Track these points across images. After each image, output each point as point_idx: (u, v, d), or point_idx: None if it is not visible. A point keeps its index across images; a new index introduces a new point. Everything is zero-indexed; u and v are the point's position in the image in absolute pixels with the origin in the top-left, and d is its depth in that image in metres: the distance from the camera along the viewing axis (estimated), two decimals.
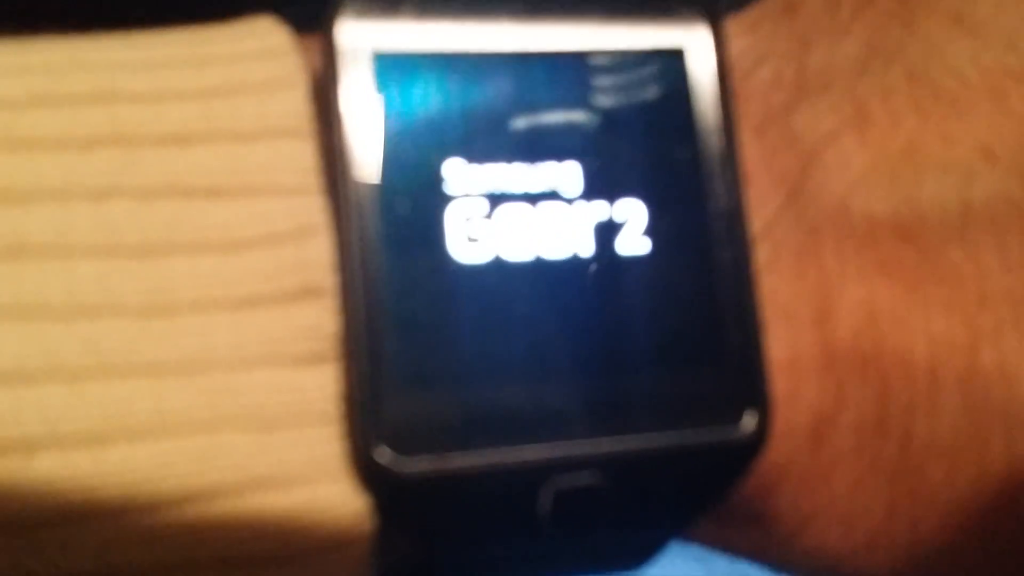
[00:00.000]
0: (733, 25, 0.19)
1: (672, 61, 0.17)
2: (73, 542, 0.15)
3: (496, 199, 0.16)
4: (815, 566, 0.18)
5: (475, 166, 0.16)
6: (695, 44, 0.17)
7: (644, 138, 0.17)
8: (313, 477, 0.15)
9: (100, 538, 0.15)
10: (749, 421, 0.16)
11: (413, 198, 0.16)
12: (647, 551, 0.18)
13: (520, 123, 0.17)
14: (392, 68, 0.16)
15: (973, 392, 0.17)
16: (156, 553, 0.15)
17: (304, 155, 0.16)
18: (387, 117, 0.16)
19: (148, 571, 0.15)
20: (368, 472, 0.15)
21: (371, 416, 0.15)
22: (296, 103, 0.17)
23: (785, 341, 0.17)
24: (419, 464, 0.15)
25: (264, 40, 0.17)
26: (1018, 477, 0.17)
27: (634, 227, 0.17)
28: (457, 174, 0.16)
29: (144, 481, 0.15)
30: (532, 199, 0.16)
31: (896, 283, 0.17)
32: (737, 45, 0.18)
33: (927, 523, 0.18)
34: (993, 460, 0.17)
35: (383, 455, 0.15)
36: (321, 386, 0.16)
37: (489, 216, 0.16)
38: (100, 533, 0.15)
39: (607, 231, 0.17)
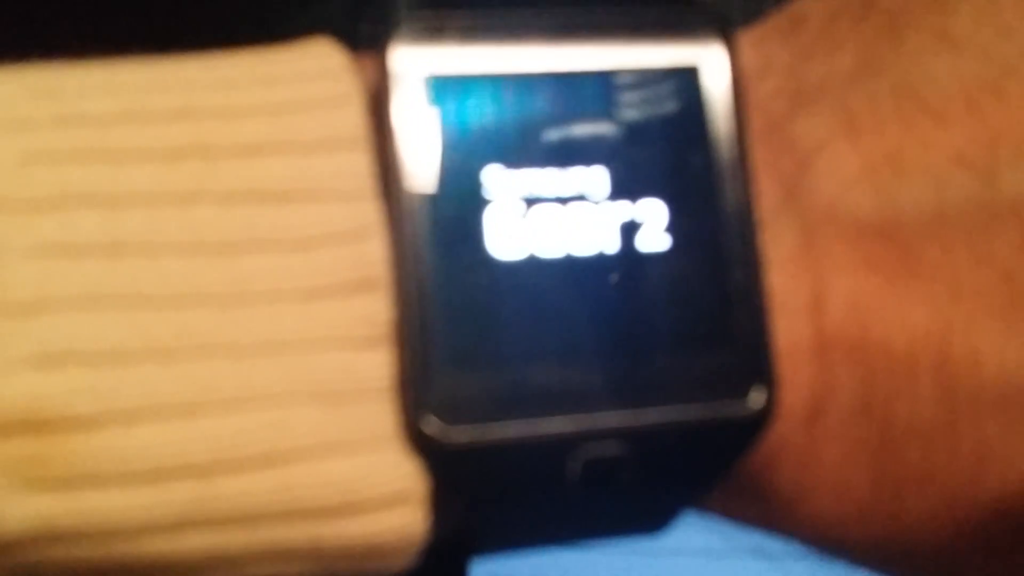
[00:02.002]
0: (743, 39, 0.21)
1: (689, 76, 0.20)
2: (164, 499, 0.17)
3: (530, 202, 0.19)
4: (814, 535, 0.21)
5: (511, 172, 0.19)
6: (710, 61, 0.20)
7: (664, 145, 0.20)
8: (371, 445, 0.18)
9: (191, 495, 0.17)
10: (758, 397, 0.19)
11: (456, 202, 0.19)
12: (665, 518, 0.21)
13: (552, 134, 0.19)
14: (438, 87, 0.19)
15: (946, 379, 0.20)
16: (240, 507, 0.18)
17: (361, 164, 0.19)
18: (433, 131, 0.19)
19: (233, 522, 0.18)
20: (417, 441, 0.18)
21: (420, 392, 0.18)
22: (353, 118, 0.19)
23: (782, 329, 0.20)
24: (462, 433, 0.18)
25: (323, 61, 0.20)
26: (985, 458, 0.20)
27: (655, 225, 0.19)
28: (495, 179, 0.19)
29: (230, 447, 0.17)
30: (563, 201, 0.19)
31: (879, 277, 0.20)
32: (745, 60, 0.21)
33: (908, 498, 0.20)
34: (964, 442, 0.20)
35: (430, 425, 0.18)
36: (377, 367, 0.18)
37: (524, 217, 0.19)
38: (192, 491, 0.17)
39: (630, 229, 0.19)
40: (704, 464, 0.20)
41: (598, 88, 0.19)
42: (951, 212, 0.20)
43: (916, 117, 0.20)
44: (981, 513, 0.20)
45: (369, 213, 0.19)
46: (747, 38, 0.22)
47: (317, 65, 0.20)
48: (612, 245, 0.19)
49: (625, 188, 0.19)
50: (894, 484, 0.20)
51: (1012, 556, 0.20)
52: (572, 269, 0.19)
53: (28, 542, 0.17)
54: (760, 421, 0.19)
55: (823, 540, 0.21)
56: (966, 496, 0.20)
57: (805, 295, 0.20)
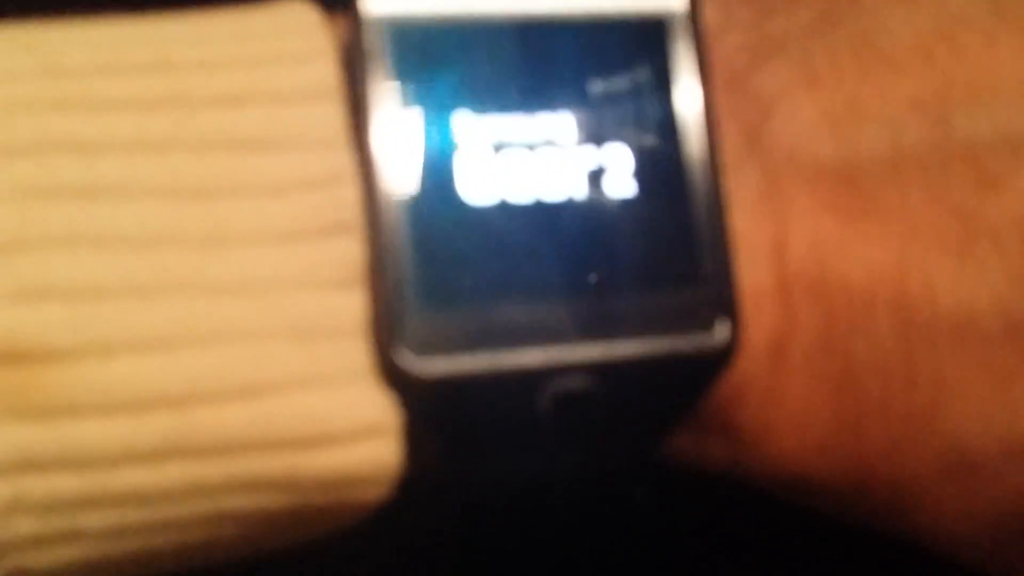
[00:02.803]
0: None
1: (655, 26, 0.21)
2: (142, 429, 0.18)
3: (499, 147, 0.20)
4: (777, 472, 0.22)
5: (480, 117, 0.20)
6: (675, 12, 0.21)
7: (630, 94, 0.20)
8: (346, 379, 0.19)
9: (168, 426, 0.18)
10: (722, 330, 0.20)
11: (427, 147, 0.19)
12: (635, 454, 0.21)
13: (520, 80, 0.20)
14: (407, 35, 0.20)
15: (903, 314, 0.20)
16: (217, 438, 0.18)
17: (334, 114, 0.20)
18: (404, 78, 0.20)
19: (209, 453, 0.18)
20: (391, 374, 0.19)
21: (393, 327, 0.19)
22: (326, 70, 0.20)
23: (746, 269, 0.20)
24: (434, 366, 0.19)
25: (297, 18, 0.21)
26: (941, 389, 0.20)
27: (621, 171, 0.20)
28: (464, 125, 0.20)
29: (207, 380, 0.18)
30: (531, 147, 0.20)
31: (838, 218, 0.21)
32: (710, 15, 0.22)
33: (868, 432, 0.21)
34: (921, 374, 0.20)
35: (403, 358, 0.19)
36: (352, 306, 0.19)
37: (494, 162, 0.20)
38: (169, 422, 0.18)
39: (598, 175, 0.20)
40: (671, 398, 0.21)
41: (565, 36, 0.20)
42: (907, 154, 0.21)
43: (873, 66, 0.21)
44: (938, 444, 0.21)
45: (342, 160, 0.19)
46: None
47: (291, 22, 0.21)
48: (580, 190, 0.20)
49: (592, 134, 0.20)
50: (855, 418, 0.21)
51: (967, 485, 0.21)
52: (541, 212, 0.20)
53: (9, 471, 0.18)
54: (725, 354, 0.20)
55: (786, 477, 0.22)
56: (923, 427, 0.21)
57: (768, 236, 0.21)
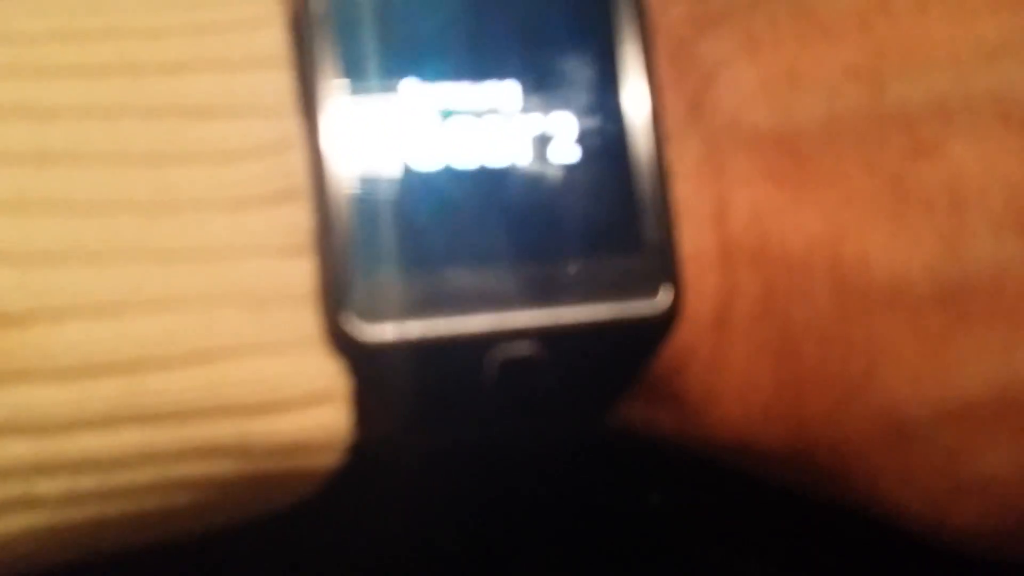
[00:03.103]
0: None
1: None
2: (93, 394, 0.18)
3: (446, 114, 0.20)
4: (722, 439, 0.22)
5: (426, 85, 0.20)
6: None
7: (574, 62, 0.21)
8: (295, 346, 0.19)
9: (120, 391, 0.18)
10: (664, 296, 0.20)
11: (374, 113, 0.20)
12: (583, 421, 0.22)
13: (466, 48, 0.20)
14: (354, 4, 0.20)
15: (839, 280, 0.21)
16: (168, 404, 0.18)
17: (281, 82, 0.20)
18: (349, 44, 0.20)
19: (160, 418, 0.18)
20: (339, 340, 0.19)
21: (340, 293, 0.19)
22: (274, 38, 0.20)
23: (687, 237, 0.21)
24: (381, 332, 0.19)
25: None
26: (877, 354, 0.21)
27: (565, 138, 0.20)
28: (411, 92, 0.20)
29: (157, 345, 0.18)
30: (477, 114, 0.20)
31: (777, 186, 0.21)
32: None
33: (808, 397, 0.21)
34: (856, 339, 0.21)
35: (351, 324, 0.19)
36: (300, 273, 0.19)
37: (440, 128, 0.20)
38: (120, 387, 0.18)
39: (542, 141, 0.20)
40: (616, 364, 0.21)
41: (512, 4, 0.21)
42: (843, 122, 0.21)
43: (811, 34, 0.21)
44: (874, 408, 0.21)
45: (289, 127, 0.20)
46: None
47: None
48: (525, 157, 0.20)
49: (537, 102, 0.20)
50: (795, 383, 0.21)
51: (902, 449, 0.22)
52: (486, 178, 0.20)
53: None
54: (668, 320, 0.20)
55: (731, 443, 0.22)
56: (860, 392, 0.21)
57: (709, 204, 0.21)
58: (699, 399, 0.22)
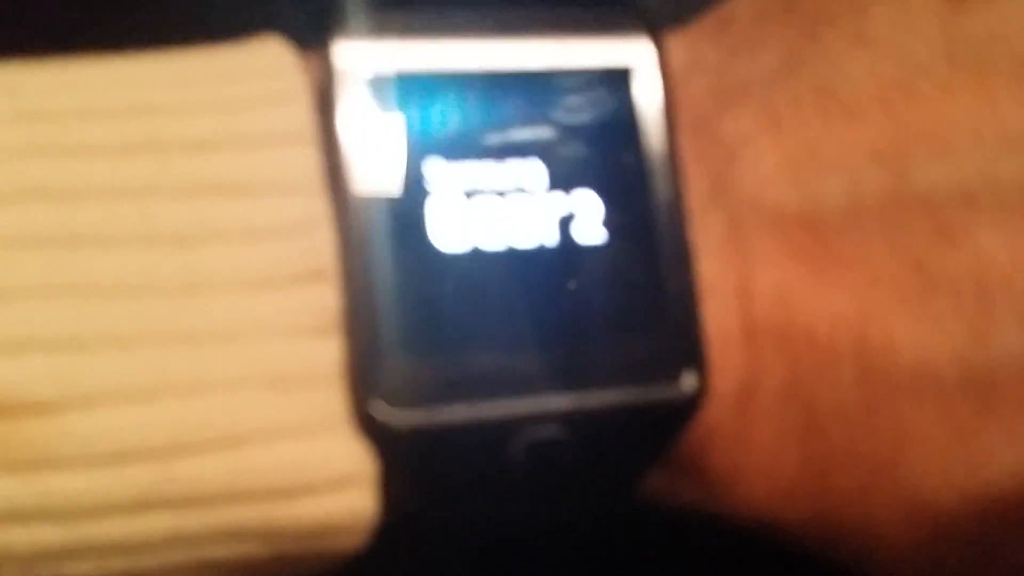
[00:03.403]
0: (675, 40, 0.23)
1: (622, 76, 0.21)
2: (124, 481, 0.18)
3: (471, 194, 0.20)
4: (748, 515, 0.22)
5: (452, 165, 0.20)
6: (641, 61, 0.21)
7: (598, 141, 0.21)
8: (322, 428, 0.19)
9: (150, 477, 0.18)
10: (690, 379, 0.20)
11: (400, 195, 0.20)
12: (607, 501, 0.22)
13: (491, 129, 0.21)
14: (380, 84, 0.20)
15: (865, 363, 0.21)
16: (197, 489, 0.19)
17: (309, 159, 0.20)
18: (376, 126, 0.20)
19: (190, 503, 0.19)
20: (366, 425, 0.19)
21: (368, 377, 0.19)
22: (301, 114, 0.20)
23: (712, 316, 0.21)
24: (409, 417, 0.19)
25: (272, 59, 0.21)
26: (903, 438, 0.21)
27: (590, 218, 0.21)
28: (437, 173, 0.20)
29: (187, 431, 0.19)
30: (502, 194, 0.20)
31: (802, 266, 0.21)
32: (677, 59, 0.22)
33: (834, 478, 0.22)
34: (882, 423, 0.21)
35: (378, 410, 0.19)
36: (327, 354, 0.20)
37: (466, 209, 0.20)
38: (150, 473, 0.18)
39: (567, 222, 0.20)
40: (641, 445, 0.21)
41: (535, 85, 0.21)
42: (867, 205, 0.21)
43: (834, 114, 0.22)
44: (900, 492, 0.21)
45: (317, 206, 0.20)
46: (678, 38, 0.23)
47: (266, 63, 0.21)
48: (551, 237, 0.20)
49: (561, 182, 0.21)
50: (820, 464, 0.22)
51: (928, 532, 0.22)
52: (513, 260, 0.20)
53: None
54: (692, 403, 0.21)
55: (756, 519, 0.22)
56: (886, 476, 0.21)
57: (733, 283, 0.21)
58: (723, 475, 0.22)
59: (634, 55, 0.21)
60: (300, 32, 0.22)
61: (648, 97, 0.21)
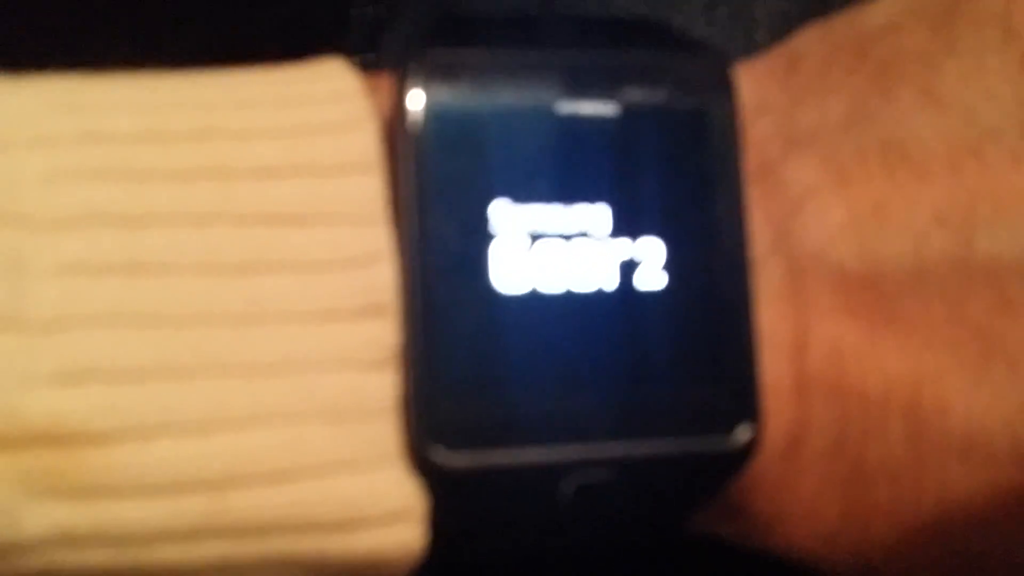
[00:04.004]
0: (743, 81, 0.23)
1: (693, 118, 0.21)
2: (178, 511, 0.19)
3: (535, 237, 0.20)
4: (786, 552, 0.23)
5: (518, 207, 0.20)
6: (714, 105, 0.21)
7: (665, 185, 0.21)
8: (376, 463, 0.19)
9: (205, 508, 0.19)
10: (744, 432, 0.21)
11: (464, 234, 0.20)
12: (651, 538, 0.22)
13: (558, 171, 0.20)
14: (450, 122, 0.20)
15: (915, 424, 0.21)
16: (251, 521, 0.19)
17: (373, 189, 0.20)
18: (444, 163, 0.20)
19: (243, 534, 0.19)
20: (420, 464, 0.20)
21: (424, 418, 0.19)
22: (366, 142, 0.20)
23: (766, 366, 0.21)
24: (462, 459, 0.20)
25: (337, 83, 0.21)
26: (948, 499, 0.21)
27: (653, 263, 0.21)
28: (502, 214, 0.20)
29: (243, 463, 0.19)
30: (566, 237, 0.20)
31: (859, 324, 0.21)
32: (745, 98, 0.22)
33: (875, 529, 0.22)
34: (928, 483, 0.21)
35: (433, 451, 0.19)
36: (383, 388, 0.20)
37: (528, 251, 0.20)
38: (205, 504, 0.19)
39: (629, 267, 0.20)
40: (690, 492, 0.21)
41: (604, 127, 0.21)
42: (929, 268, 0.21)
43: (900, 171, 0.21)
44: (942, 550, 0.22)
45: (379, 238, 0.20)
46: (744, 75, 0.23)
47: (331, 87, 0.21)
48: (611, 282, 0.20)
49: (626, 226, 0.21)
50: (862, 517, 0.22)
51: None
52: (572, 304, 0.20)
53: (45, 547, 0.18)
54: (744, 456, 0.21)
55: (795, 558, 0.23)
56: (928, 533, 0.21)
57: (789, 335, 0.21)
58: (765, 518, 0.22)
59: (706, 99, 0.21)
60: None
61: (718, 141, 0.21)
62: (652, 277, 0.21)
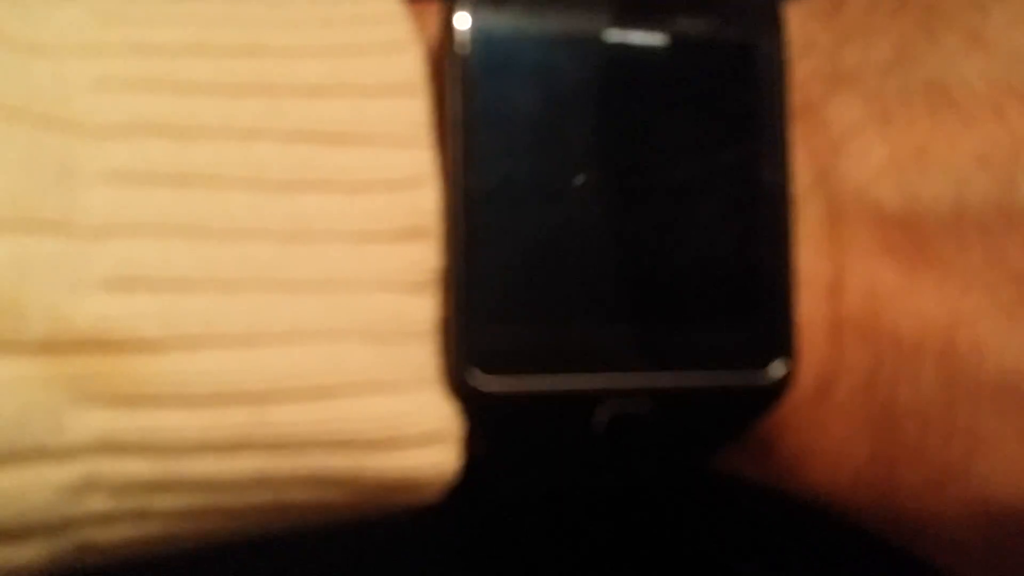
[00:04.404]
0: (789, 19, 0.23)
1: (742, 52, 0.21)
2: (219, 422, 0.19)
3: (578, 169, 0.20)
4: (812, 495, 0.23)
5: (563, 139, 0.20)
6: (763, 40, 0.21)
7: (711, 118, 0.21)
8: (414, 385, 0.20)
9: (245, 420, 0.19)
10: (778, 368, 0.21)
11: (508, 162, 0.20)
12: (680, 471, 0.22)
13: (605, 103, 0.20)
14: (497, 47, 0.20)
15: (948, 367, 0.21)
16: (289, 435, 0.19)
17: (418, 111, 0.20)
18: (490, 87, 0.20)
19: (281, 448, 0.19)
20: (457, 387, 0.20)
21: (462, 342, 0.20)
22: (411, 64, 0.20)
23: (801, 305, 0.21)
24: (499, 383, 0.20)
25: (383, 5, 0.21)
26: (977, 444, 0.21)
27: (694, 197, 0.21)
28: (547, 146, 0.20)
29: (283, 378, 0.19)
30: (610, 172, 0.20)
31: (896, 266, 0.21)
32: (791, 36, 0.22)
33: (901, 473, 0.22)
34: (959, 427, 0.22)
35: (471, 374, 0.20)
36: (423, 310, 0.20)
37: (571, 184, 0.20)
38: (245, 416, 0.19)
39: (670, 199, 0.21)
40: (722, 426, 0.22)
41: (653, 58, 0.21)
42: (969, 211, 0.21)
43: (944, 114, 0.22)
44: (967, 494, 0.22)
45: (423, 161, 0.20)
46: (791, 15, 0.23)
47: (378, 9, 0.21)
48: (652, 215, 0.20)
49: (667, 159, 0.21)
50: (890, 459, 0.22)
51: (991, 535, 0.22)
52: (614, 236, 0.20)
53: (87, 452, 0.18)
54: (778, 392, 0.21)
55: (819, 499, 0.23)
56: (955, 477, 0.22)
57: (826, 275, 0.21)
58: (792, 458, 0.22)
59: (756, 32, 0.21)
60: None
61: (766, 76, 0.21)
62: (693, 211, 0.21)
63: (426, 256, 0.20)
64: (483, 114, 0.20)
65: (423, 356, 0.20)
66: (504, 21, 0.20)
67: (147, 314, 0.18)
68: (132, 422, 0.19)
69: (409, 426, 0.20)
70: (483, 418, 0.20)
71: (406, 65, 0.20)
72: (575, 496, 0.26)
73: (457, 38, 0.20)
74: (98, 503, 0.19)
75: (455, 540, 0.26)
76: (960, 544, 0.22)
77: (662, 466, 0.22)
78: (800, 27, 0.23)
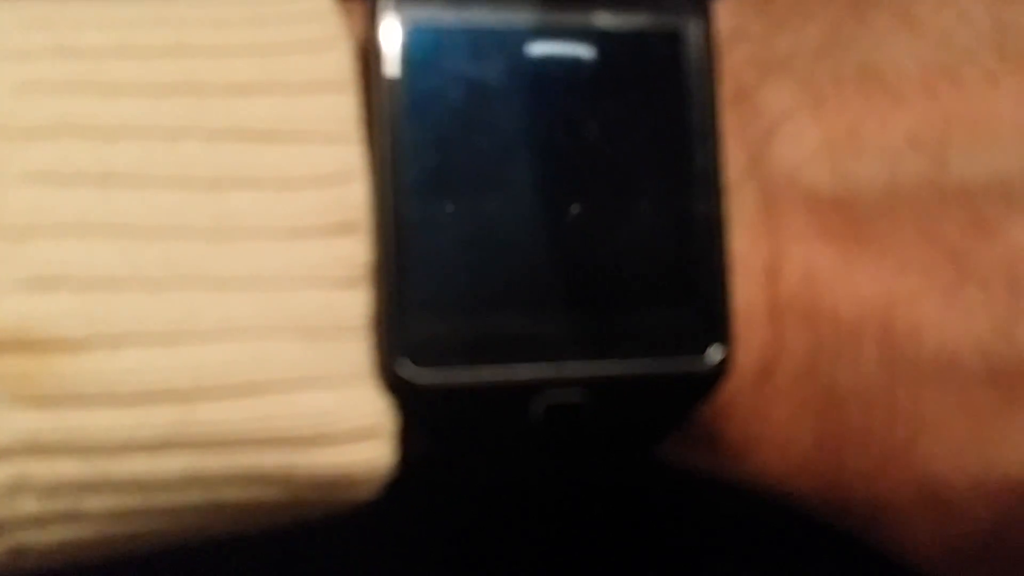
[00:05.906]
0: (719, 6, 0.23)
1: (668, 41, 0.21)
2: (146, 421, 0.19)
3: (508, 154, 0.20)
4: (760, 484, 0.23)
5: (490, 123, 0.20)
6: (688, 27, 0.21)
7: (640, 106, 0.21)
8: (346, 380, 0.20)
9: (172, 419, 0.19)
10: (715, 354, 0.21)
11: (436, 152, 0.20)
12: (622, 463, 0.22)
13: (534, 89, 0.21)
14: (423, 39, 0.20)
15: (888, 348, 0.21)
16: (218, 433, 0.19)
17: (346, 107, 0.20)
18: (417, 81, 0.20)
19: (210, 446, 0.19)
20: (390, 380, 0.20)
21: (394, 334, 0.20)
22: (340, 61, 0.21)
23: (739, 291, 0.21)
24: (433, 375, 0.20)
25: (311, 2, 0.21)
26: (920, 424, 0.21)
27: (627, 183, 0.21)
28: (473, 131, 0.20)
29: (211, 375, 0.19)
30: (539, 153, 0.20)
31: (832, 248, 0.21)
32: (722, 24, 0.22)
33: (847, 457, 0.22)
34: (901, 406, 0.22)
35: (403, 367, 0.20)
36: (354, 306, 0.20)
37: (500, 170, 0.20)
38: (173, 415, 0.19)
39: (603, 185, 0.21)
40: (660, 414, 0.22)
41: (580, 47, 0.21)
42: (903, 190, 0.21)
43: (875, 95, 0.22)
44: (913, 475, 0.22)
45: (352, 156, 0.20)
46: (724, 5, 0.23)
47: (305, 7, 0.21)
48: (585, 200, 0.21)
49: (601, 144, 0.21)
50: (835, 442, 0.22)
51: (939, 515, 0.22)
52: (544, 224, 0.20)
53: (15, 454, 0.19)
54: (716, 377, 0.21)
55: (768, 489, 0.23)
56: (901, 458, 0.22)
57: (762, 260, 0.22)
58: (737, 445, 0.22)
59: (681, 20, 0.21)
60: None
61: (694, 63, 0.21)
62: (626, 196, 0.21)
63: (356, 250, 0.20)
64: (411, 108, 0.20)
65: (355, 351, 0.20)
66: (429, 15, 0.20)
67: (70, 313, 0.19)
68: (59, 422, 0.19)
69: (341, 422, 0.20)
70: (418, 412, 0.20)
71: (335, 62, 0.21)
72: (531, 491, 0.26)
73: (382, 35, 0.20)
74: (28, 505, 0.19)
75: (411, 536, 0.26)
76: (908, 527, 0.22)
77: (603, 456, 0.22)
78: (733, 15, 0.23)
